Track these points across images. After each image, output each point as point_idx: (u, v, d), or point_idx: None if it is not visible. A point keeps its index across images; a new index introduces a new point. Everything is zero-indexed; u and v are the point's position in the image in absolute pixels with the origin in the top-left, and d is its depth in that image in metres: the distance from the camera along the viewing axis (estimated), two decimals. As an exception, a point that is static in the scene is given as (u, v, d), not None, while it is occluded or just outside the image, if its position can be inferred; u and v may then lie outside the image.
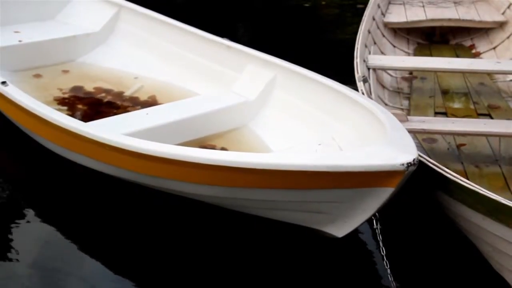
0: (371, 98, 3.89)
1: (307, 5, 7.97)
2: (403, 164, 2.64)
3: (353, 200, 2.86)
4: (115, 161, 3.24)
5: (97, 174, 3.56)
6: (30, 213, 3.62)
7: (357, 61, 4.27)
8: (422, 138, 3.92)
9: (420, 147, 3.81)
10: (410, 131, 3.59)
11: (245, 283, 3.11)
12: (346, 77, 4.26)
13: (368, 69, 4.40)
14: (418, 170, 3.02)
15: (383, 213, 3.24)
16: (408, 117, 3.73)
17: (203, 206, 3.38)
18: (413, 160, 2.66)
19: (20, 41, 4.86)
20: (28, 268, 3.17)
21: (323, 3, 8.03)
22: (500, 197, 2.66)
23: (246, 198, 3.05)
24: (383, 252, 2.98)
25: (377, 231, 2.95)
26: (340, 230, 3.04)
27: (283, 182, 2.83)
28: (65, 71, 4.86)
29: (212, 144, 3.80)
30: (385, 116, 3.19)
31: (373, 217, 2.92)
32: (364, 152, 2.78)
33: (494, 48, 5.39)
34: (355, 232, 3.19)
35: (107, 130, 3.35)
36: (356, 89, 3.85)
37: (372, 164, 2.66)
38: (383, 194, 2.76)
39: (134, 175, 3.29)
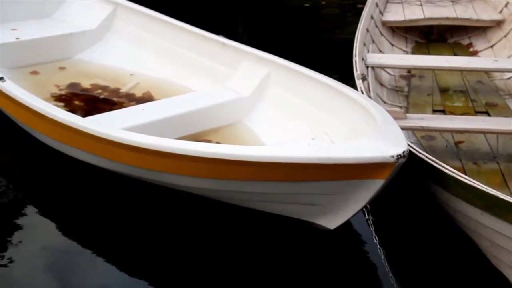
0: (370, 96, 3.87)
1: (307, 5, 7.94)
2: (393, 156, 2.66)
3: (345, 192, 2.88)
4: (112, 155, 3.25)
5: (94, 168, 3.55)
6: (28, 209, 3.58)
7: (356, 59, 4.26)
8: (421, 136, 3.89)
9: (418, 144, 3.79)
10: (409, 129, 3.65)
11: (242, 276, 3.08)
12: (346, 75, 4.24)
13: (367, 67, 4.38)
14: (417, 166, 3.05)
15: (382, 210, 3.30)
16: (407, 114, 3.72)
17: (198, 199, 3.37)
18: (403, 152, 2.69)
19: (17, 38, 4.84)
20: (29, 265, 3.14)
21: (323, 3, 8.00)
22: (498, 192, 2.64)
23: (240, 191, 3.07)
24: (376, 240, 3.02)
25: (369, 221, 2.95)
26: (332, 222, 3.06)
27: (276, 175, 2.85)
28: (62, 68, 4.84)
29: (207, 139, 3.79)
30: (377, 110, 3.22)
31: (364, 209, 2.94)
32: (355, 145, 2.81)
33: (491, 46, 5.36)
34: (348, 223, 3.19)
35: (104, 125, 3.35)
36: (355, 87, 3.83)
37: (363, 156, 2.69)
38: (374, 185, 2.78)
39: (130, 169, 3.30)
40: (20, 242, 3.30)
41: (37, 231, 3.39)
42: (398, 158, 2.66)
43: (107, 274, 3.10)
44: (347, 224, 3.13)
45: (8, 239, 3.31)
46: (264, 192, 3.00)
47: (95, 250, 3.23)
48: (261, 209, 3.23)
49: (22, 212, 3.54)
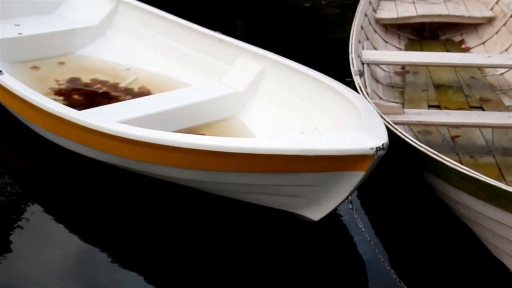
0: (367, 92, 3.75)
1: (307, 5, 7.74)
2: (372, 148, 2.60)
3: (327, 184, 2.81)
4: (105, 147, 3.16)
5: (89, 160, 3.45)
6: (25, 202, 3.44)
7: (352, 56, 4.13)
8: (417, 131, 3.77)
9: (416, 139, 3.65)
10: (406, 123, 3.56)
11: (231, 269, 2.97)
12: (346, 74, 4.09)
13: (363, 64, 4.24)
14: (417, 159, 2.98)
15: (381, 205, 3.24)
16: (404, 110, 3.60)
17: (187, 190, 3.28)
18: (382, 144, 2.61)
19: (20, 33, 4.67)
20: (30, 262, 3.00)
21: (323, 3, 7.80)
22: (500, 183, 2.54)
23: (227, 182, 2.99)
24: (360, 225, 3.07)
25: (352, 210, 2.96)
26: (316, 213, 2.98)
27: (261, 166, 2.78)
28: (63, 64, 4.65)
29: (201, 133, 3.64)
30: (362, 104, 3.14)
31: (347, 200, 2.91)
32: (337, 137, 2.74)
33: (483, 43, 5.21)
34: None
35: (99, 118, 3.24)
36: (353, 83, 3.73)
37: (342, 148, 2.61)
38: (355, 177, 2.72)
39: (124, 161, 3.21)
40: (18, 237, 3.17)
41: (35, 226, 3.25)
42: (377, 150, 2.59)
43: (103, 269, 2.96)
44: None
45: (8, 236, 3.17)
46: (249, 183, 2.93)
47: (92, 244, 3.10)
48: (247, 200, 3.15)
49: (18, 205, 3.40)
